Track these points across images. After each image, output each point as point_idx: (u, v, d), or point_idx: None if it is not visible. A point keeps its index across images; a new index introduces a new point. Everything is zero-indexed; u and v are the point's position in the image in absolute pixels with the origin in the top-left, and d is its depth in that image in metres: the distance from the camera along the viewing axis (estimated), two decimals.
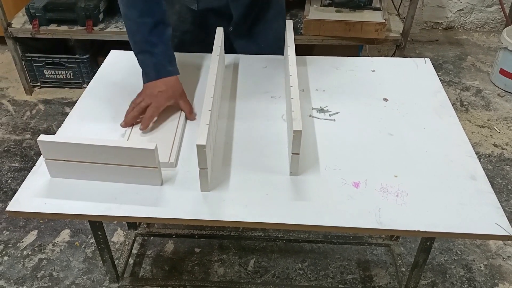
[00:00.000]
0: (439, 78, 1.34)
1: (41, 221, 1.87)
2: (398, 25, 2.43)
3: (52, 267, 1.70)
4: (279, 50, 1.41)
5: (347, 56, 1.42)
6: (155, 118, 1.13)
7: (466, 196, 0.95)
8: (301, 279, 1.66)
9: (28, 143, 2.28)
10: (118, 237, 1.81)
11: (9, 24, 2.42)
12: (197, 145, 0.88)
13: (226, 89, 1.28)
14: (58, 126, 1.14)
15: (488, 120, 2.44)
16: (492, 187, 0.98)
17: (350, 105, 1.21)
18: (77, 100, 1.24)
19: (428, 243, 1.17)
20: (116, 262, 1.45)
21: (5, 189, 2.01)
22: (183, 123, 1.14)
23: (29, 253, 1.75)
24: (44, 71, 2.61)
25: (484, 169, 1.02)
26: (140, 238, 1.79)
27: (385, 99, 1.24)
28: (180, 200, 0.94)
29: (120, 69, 1.35)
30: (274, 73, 1.34)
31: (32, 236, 1.81)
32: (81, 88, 2.64)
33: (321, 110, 1.20)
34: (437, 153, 1.06)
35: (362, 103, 1.22)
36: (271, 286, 1.61)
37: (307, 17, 2.29)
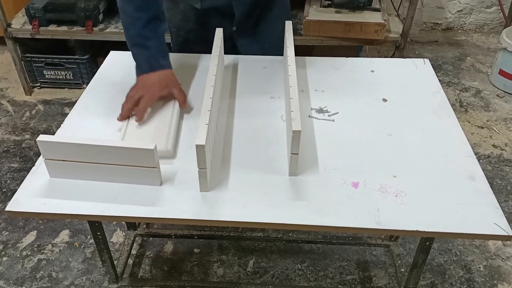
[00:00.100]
0: (439, 79, 1.34)
1: (40, 221, 1.87)
2: (397, 26, 2.44)
3: (51, 267, 1.70)
4: (282, 50, 1.41)
5: (347, 57, 1.42)
6: (149, 109, 1.13)
7: (465, 196, 0.95)
8: (300, 279, 1.66)
9: (27, 143, 2.28)
10: (117, 237, 1.81)
11: (8, 25, 2.42)
12: (196, 145, 0.88)
13: (225, 89, 1.28)
14: (58, 127, 1.14)
15: (487, 121, 2.45)
16: (491, 188, 0.98)
17: (349, 106, 1.22)
18: (76, 101, 1.24)
19: (427, 243, 1.17)
20: (115, 262, 1.46)
21: (4, 190, 2.01)
22: (177, 112, 1.15)
23: (28, 253, 1.75)
24: (44, 71, 2.61)
25: (483, 170, 1.02)
26: (139, 239, 1.79)
27: (384, 100, 1.24)
28: (179, 200, 0.94)
29: (120, 69, 1.36)
30: (274, 73, 1.34)
31: (31, 237, 1.81)
32: (81, 88, 2.64)
33: (320, 111, 1.20)
34: (436, 153, 1.06)
35: (361, 104, 1.23)
36: (270, 287, 1.61)
37: (306, 18, 2.29)
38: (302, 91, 1.26)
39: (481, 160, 2.17)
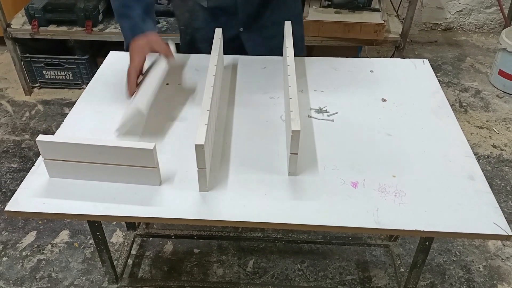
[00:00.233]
0: (438, 79, 1.34)
1: (40, 221, 1.87)
2: (397, 26, 2.44)
3: (51, 268, 1.70)
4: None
5: (346, 57, 1.42)
6: (139, 79, 1.15)
7: (464, 196, 0.95)
8: (300, 280, 1.66)
9: (27, 143, 2.28)
10: (117, 238, 1.81)
11: (8, 25, 2.42)
12: (196, 145, 0.88)
13: (225, 90, 1.28)
14: (57, 127, 1.14)
15: (487, 121, 2.45)
16: (491, 188, 0.98)
17: (348, 106, 1.22)
18: (76, 101, 1.24)
19: (427, 243, 1.17)
20: (115, 263, 1.45)
21: (4, 190, 2.01)
22: (158, 73, 1.17)
23: (28, 253, 1.75)
24: (43, 71, 2.62)
25: (483, 170, 1.02)
26: (139, 239, 1.79)
27: (384, 100, 1.24)
28: (179, 200, 0.94)
29: (119, 70, 1.35)
30: (273, 73, 1.34)
31: (31, 237, 1.81)
32: (80, 88, 2.65)
33: (319, 111, 1.20)
34: (436, 153, 1.06)
35: (360, 104, 1.23)
36: (270, 287, 1.61)
37: (306, 18, 2.29)
38: (301, 91, 1.27)
39: (480, 161, 2.17)
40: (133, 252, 1.74)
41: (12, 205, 0.93)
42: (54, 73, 2.62)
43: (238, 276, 1.67)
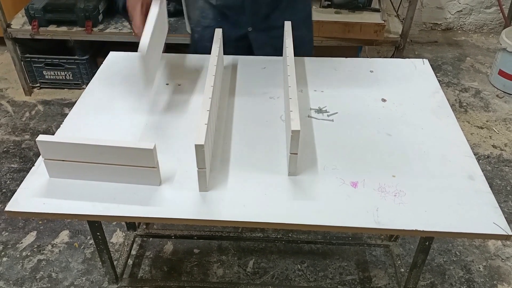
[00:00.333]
0: (438, 79, 1.34)
1: (40, 222, 1.87)
2: (397, 26, 2.44)
3: (51, 268, 1.70)
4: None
5: (346, 57, 1.42)
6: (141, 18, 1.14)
7: (464, 196, 0.95)
8: (300, 280, 1.66)
9: (27, 144, 2.28)
10: (117, 238, 1.81)
11: (8, 25, 2.42)
12: (196, 145, 0.88)
13: (225, 90, 1.28)
14: (57, 127, 1.14)
15: (487, 121, 2.45)
16: (491, 188, 0.98)
17: (348, 106, 1.22)
18: (76, 101, 1.24)
19: (427, 243, 1.17)
20: (115, 263, 1.45)
21: (4, 190, 2.01)
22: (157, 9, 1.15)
23: (28, 254, 1.75)
24: (44, 72, 2.62)
25: (483, 170, 1.02)
26: (139, 239, 1.79)
27: (384, 100, 1.24)
28: (179, 200, 0.94)
29: (120, 70, 1.36)
30: (273, 73, 1.34)
31: (31, 237, 1.81)
32: (81, 89, 2.65)
33: (319, 111, 1.20)
34: (435, 153, 1.06)
35: (360, 104, 1.23)
36: (270, 287, 1.61)
37: None
38: (301, 91, 1.27)
39: (480, 161, 2.17)
40: (133, 252, 1.74)
41: (12, 205, 0.93)
42: (54, 73, 2.62)
43: (238, 276, 1.67)
